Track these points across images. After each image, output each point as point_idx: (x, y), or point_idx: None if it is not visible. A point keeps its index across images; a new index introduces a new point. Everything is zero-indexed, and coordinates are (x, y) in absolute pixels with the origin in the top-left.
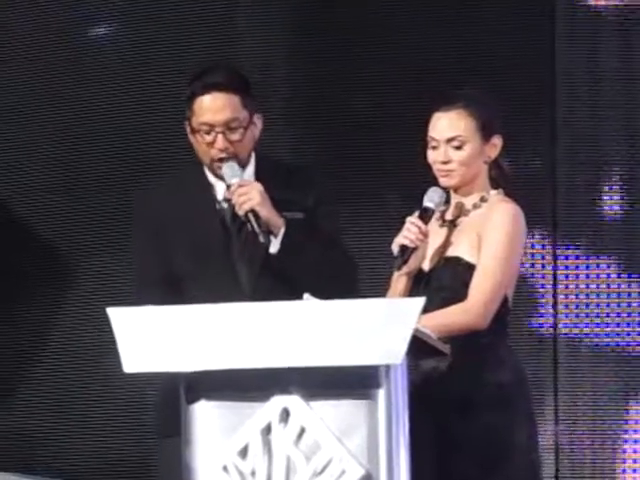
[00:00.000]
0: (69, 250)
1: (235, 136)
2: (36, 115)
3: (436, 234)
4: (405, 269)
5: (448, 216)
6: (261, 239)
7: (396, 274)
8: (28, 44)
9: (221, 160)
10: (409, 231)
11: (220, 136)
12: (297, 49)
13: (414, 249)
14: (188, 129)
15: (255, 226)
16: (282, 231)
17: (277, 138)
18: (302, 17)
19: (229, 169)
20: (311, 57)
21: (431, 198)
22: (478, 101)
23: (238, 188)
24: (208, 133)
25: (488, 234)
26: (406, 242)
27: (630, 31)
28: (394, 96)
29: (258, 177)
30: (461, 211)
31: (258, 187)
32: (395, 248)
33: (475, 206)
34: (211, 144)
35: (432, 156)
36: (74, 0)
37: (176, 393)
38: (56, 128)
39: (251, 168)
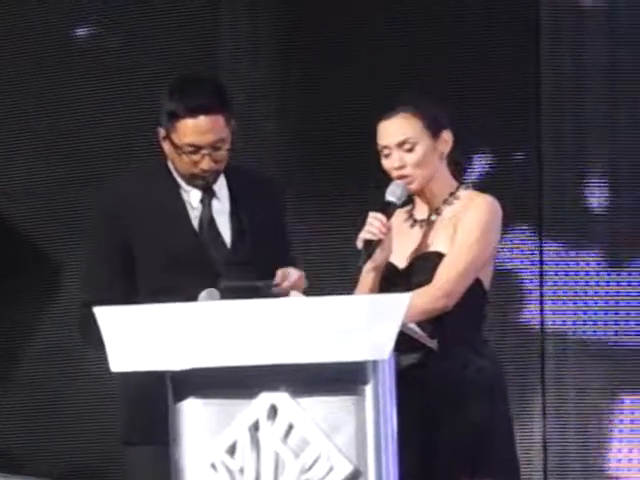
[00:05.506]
0: (55, 252)
1: (220, 155)
2: (20, 115)
3: (407, 235)
4: (371, 264)
5: (417, 216)
6: None
7: (364, 270)
8: (14, 43)
9: (203, 178)
10: (372, 225)
11: (207, 157)
12: (279, 53)
13: (378, 242)
14: (163, 136)
15: None
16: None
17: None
18: (285, 20)
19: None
20: (293, 58)
21: (393, 192)
22: (419, 102)
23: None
24: (194, 153)
25: (463, 224)
26: (369, 236)
27: (614, 25)
28: (374, 96)
29: (229, 185)
30: (432, 210)
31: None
32: (359, 244)
33: (446, 202)
34: (196, 163)
35: (387, 164)
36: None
37: (143, 399)
38: (41, 127)
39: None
